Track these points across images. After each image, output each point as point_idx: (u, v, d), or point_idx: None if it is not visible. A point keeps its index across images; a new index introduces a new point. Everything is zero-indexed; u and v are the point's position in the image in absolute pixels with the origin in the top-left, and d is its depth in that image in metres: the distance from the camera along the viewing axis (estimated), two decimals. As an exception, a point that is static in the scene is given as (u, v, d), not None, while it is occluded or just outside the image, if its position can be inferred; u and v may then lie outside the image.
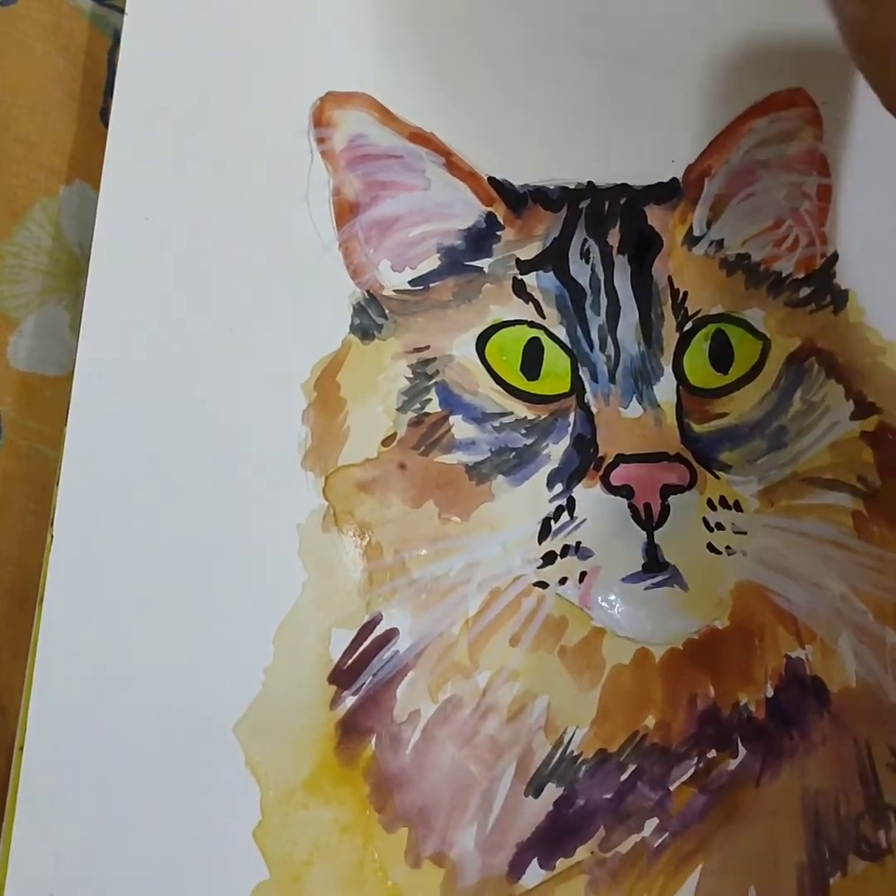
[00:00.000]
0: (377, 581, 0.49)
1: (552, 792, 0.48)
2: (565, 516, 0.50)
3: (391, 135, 0.54)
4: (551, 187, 0.54)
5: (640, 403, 0.51)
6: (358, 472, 0.50)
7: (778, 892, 0.48)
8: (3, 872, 0.46)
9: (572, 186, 0.55)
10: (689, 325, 0.53)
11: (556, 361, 0.52)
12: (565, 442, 0.51)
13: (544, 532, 0.50)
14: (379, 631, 0.49)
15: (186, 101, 0.55)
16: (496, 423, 0.51)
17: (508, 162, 0.55)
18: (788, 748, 0.49)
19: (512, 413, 0.51)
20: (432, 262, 0.53)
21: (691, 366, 0.53)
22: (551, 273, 0.53)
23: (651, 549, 0.50)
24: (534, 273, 0.53)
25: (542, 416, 0.51)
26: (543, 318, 0.52)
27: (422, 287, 0.53)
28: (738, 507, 0.51)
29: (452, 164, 0.54)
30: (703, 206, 0.55)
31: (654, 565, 0.50)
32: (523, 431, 0.51)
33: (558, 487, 0.51)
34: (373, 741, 0.48)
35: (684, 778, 0.49)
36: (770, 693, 0.50)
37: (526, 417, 0.51)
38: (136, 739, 0.47)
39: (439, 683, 0.49)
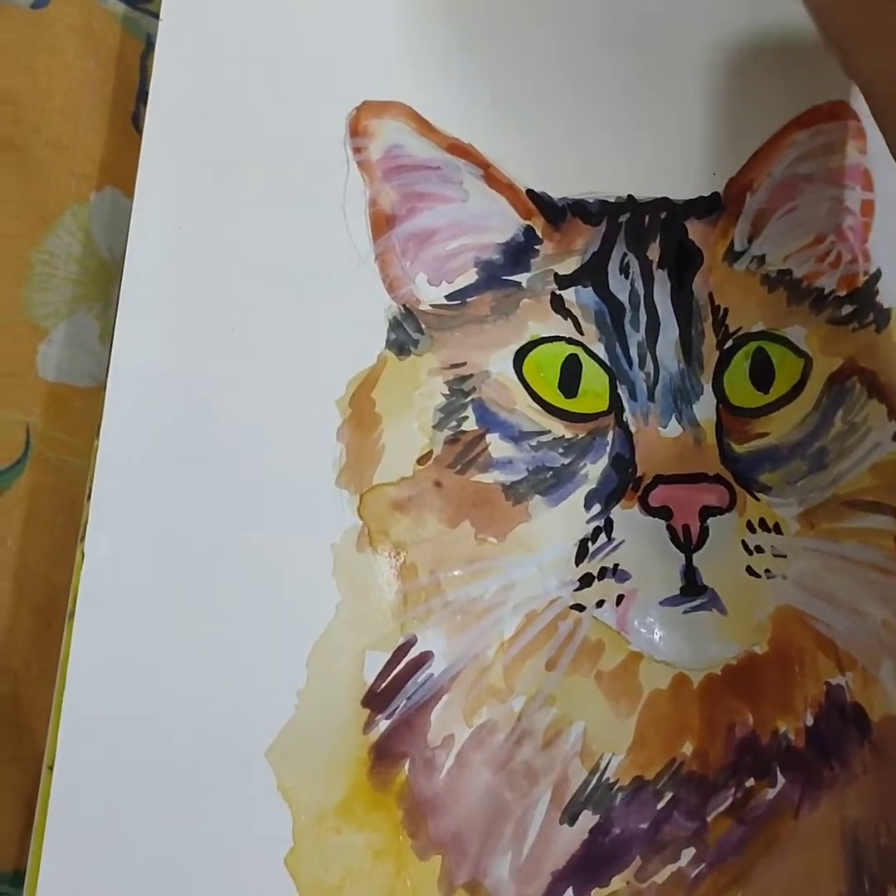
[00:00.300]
0: (412, 602, 0.49)
1: (588, 820, 0.47)
2: (603, 538, 0.49)
3: (429, 145, 0.53)
4: (591, 201, 0.54)
5: (679, 422, 0.50)
6: (393, 491, 0.49)
7: (817, 924, 0.47)
8: (31, 893, 0.45)
9: (612, 200, 0.54)
10: (729, 343, 0.52)
11: (594, 379, 0.51)
12: (603, 461, 0.50)
13: (581, 554, 0.49)
14: (413, 653, 0.48)
15: (221, 109, 0.54)
16: (533, 442, 0.50)
17: (547, 174, 0.54)
18: (828, 778, 0.49)
19: (549, 432, 0.50)
20: (469, 276, 0.53)
21: (731, 384, 0.52)
22: (590, 288, 0.52)
23: (689, 572, 0.49)
24: (572, 288, 0.53)
25: (580, 435, 0.50)
26: (582, 334, 0.51)
27: (459, 302, 0.52)
28: (778, 529, 0.50)
29: (491, 176, 0.53)
30: (744, 221, 0.54)
31: (693, 588, 0.49)
32: (561, 451, 0.50)
33: (596, 508, 0.50)
34: (406, 766, 0.47)
35: (722, 808, 0.48)
36: (810, 721, 0.49)
37: (563, 436, 0.50)
38: (167, 762, 0.47)
39: (474, 707, 0.48)
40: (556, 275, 0.53)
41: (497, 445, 0.50)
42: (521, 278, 0.53)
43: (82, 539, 0.48)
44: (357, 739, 0.47)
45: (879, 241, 0.56)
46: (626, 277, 0.53)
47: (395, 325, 0.52)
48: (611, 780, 0.48)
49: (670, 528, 0.49)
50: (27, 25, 0.56)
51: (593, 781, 0.48)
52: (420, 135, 0.54)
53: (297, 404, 0.51)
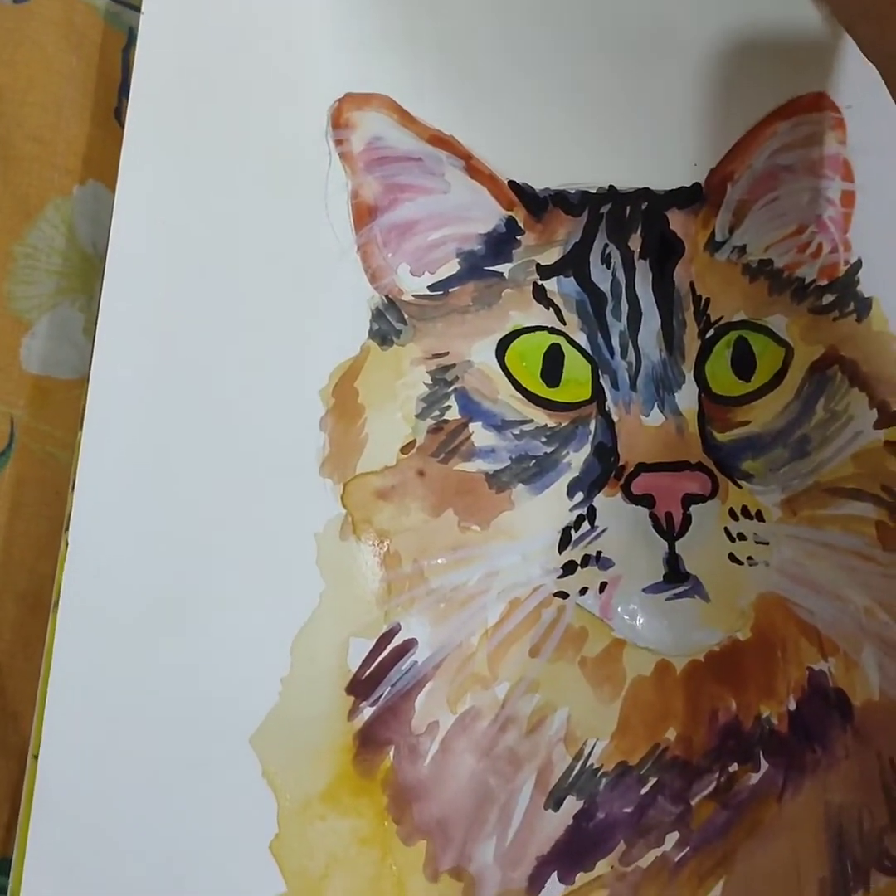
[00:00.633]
0: (395, 590, 0.49)
1: (572, 805, 0.48)
2: (586, 526, 0.50)
3: (410, 137, 0.54)
4: (572, 191, 0.54)
5: (661, 411, 0.51)
6: (376, 480, 0.50)
7: (800, 907, 0.47)
8: (17, 881, 0.45)
9: (593, 191, 0.54)
10: (711, 332, 0.52)
11: (576, 368, 0.51)
12: (586, 450, 0.50)
13: (564, 541, 0.49)
14: (397, 641, 0.48)
15: (203, 102, 0.54)
16: (516, 431, 0.50)
17: (529, 165, 0.54)
18: (811, 762, 0.49)
19: (532, 420, 0.51)
20: (452, 267, 0.53)
21: (713, 373, 0.52)
22: (572, 278, 0.53)
23: (672, 559, 0.49)
24: (554, 278, 0.53)
25: (563, 424, 0.51)
26: (564, 324, 0.52)
27: (441, 292, 0.52)
28: (760, 516, 0.50)
29: (472, 168, 0.53)
30: (725, 211, 0.55)
31: (676, 576, 0.49)
32: (543, 439, 0.50)
33: (579, 496, 0.50)
34: (391, 752, 0.47)
35: (706, 792, 0.48)
36: (792, 706, 0.49)
37: (546, 425, 0.51)
38: (152, 749, 0.47)
39: (458, 694, 0.48)
40: (538, 265, 0.53)
41: (480, 434, 0.50)
42: (503, 269, 0.53)
43: (67, 530, 0.48)
44: (341, 726, 0.48)
45: (860, 231, 0.56)
46: (608, 267, 0.53)
47: (377, 315, 0.52)
48: (595, 766, 0.48)
49: (653, 516, 0.49)
50: (8, 20, 0.56)
51: (577, 767, 0.48)
52: (402, 126, 0.54)
53: (281, 394, 0.51)
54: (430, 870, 0.46)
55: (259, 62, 0.55)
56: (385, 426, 0.50)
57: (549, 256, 0.53)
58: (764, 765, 0.49)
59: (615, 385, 0.51)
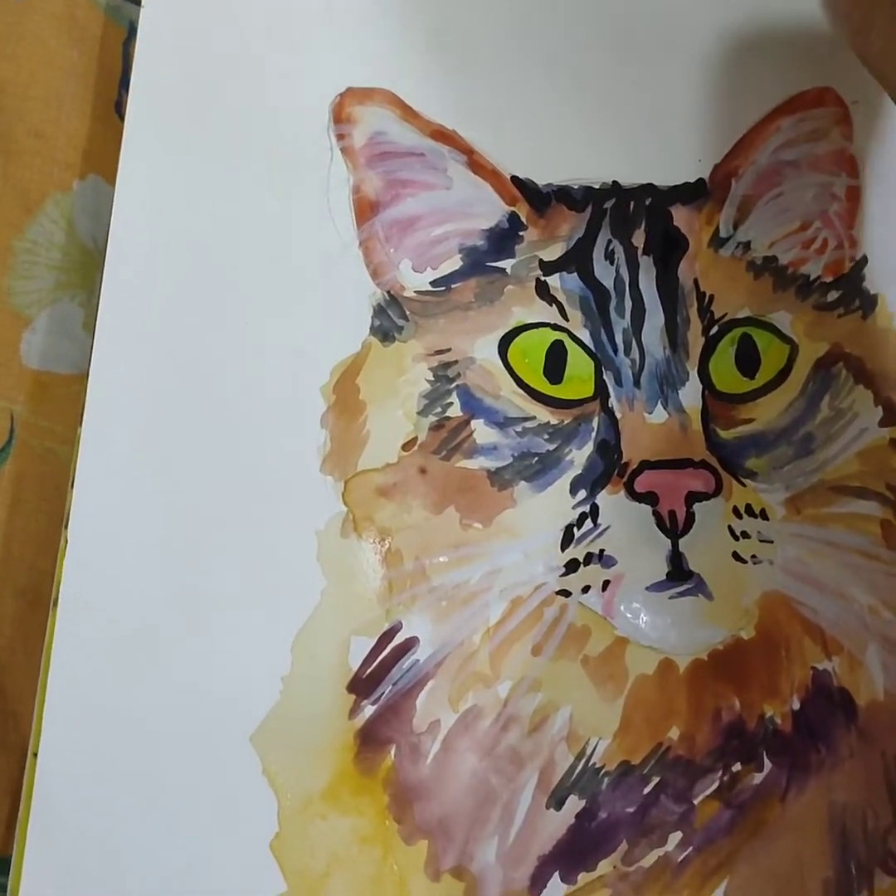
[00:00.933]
0: (397, 588, 0.49)
1: (575, 804, 0.47)
2: (589, 523, 0.49)
3: (412, 132, 0.53)
4: (575, 187, 0.54)
5: (665, 408, 0.50)
6: (378, 477, 0.49)
7: (804, 908, 0.47)
8: (16, 880, 0.45)
9: (597, 186, 0.54)
10: (715, 329, 0.52)
11: (579, 365, 0.51)
12: (589, 447, 0.50)
13: (567, 539, 0.49)
14: (399, 639, 0.48)
15: (204, 96, 0.54)
16: (519, 428, 0.50)
17: (532, 161, 0.54)
18: (815, 762, 0.49)
19: (535, 418, 0.50)
20: (454, 263, 0.52)
21: (717, 370, 0.52)
22: (575, 274, 0.52)
23: (675, 558, 0.49)
24: (557, 274, 0.52)
25: (566, 421, 0.50)
26: (567, 320, 0.51)
27: (443, 288, 0.52)
28: (764, 515, 0.50)
29: (475, 163, 0.53)
30: (729, 207, 0.54)
31: (679, 574, 0.49)
32: (546, 436, 0.50)
33: (581, 494, 0.50)
34: (392, 751, 0.47)
35: (709, 791, 0.48)
36: (796, 705, 0.49)
37: (549, 422, 0.50)
38: (152, 747, 0.47)
39: (460, 693, 0.48)
40: (540, 261, 0.53)
41: (482, 431, 0.50)
42: (506, 264, 0.53)
43: (66, 526, 0.48)
44: (342, 725, 0.47)
45: (865, 228, 0.55)
46: (612, 263, 0.53)
47: (379, 311, 0.52)
48: (597, 765, 0.48)
49: (656, 514, 0.49)
50: (9, 13, 0.56)
51: (580, 766, 0.48)
52: (404, 121, 0.54)
53: (282, 390, 0.51)
54: (432, 869, 0.46)
55: (260, 56, 0.54)
56: (386, 423, 0.50)
57: (552, 252, 0.53)
58: (767, 764, 0.48)
59: (618, 382, 0.51)
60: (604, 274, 0.52)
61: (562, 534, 0.50)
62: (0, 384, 0.53)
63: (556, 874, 0.47)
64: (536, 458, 0.50)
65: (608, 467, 0.50)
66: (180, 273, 0.52)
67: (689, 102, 0.56)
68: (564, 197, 0.54)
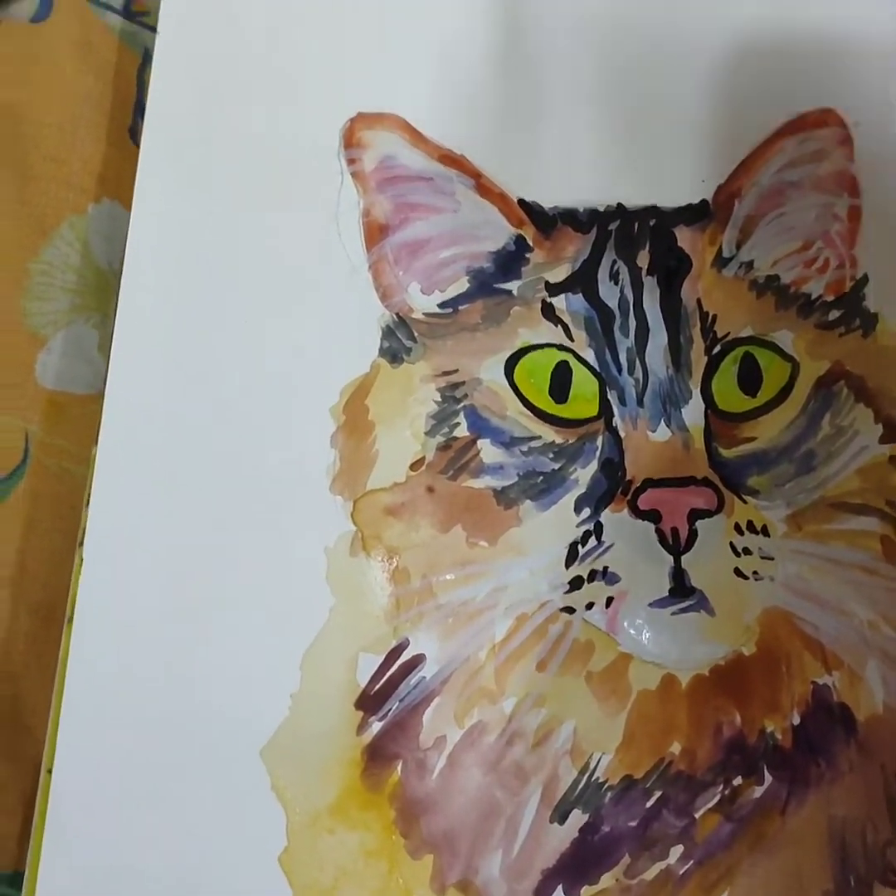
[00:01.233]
0: (404, 606, 0.49)
1: (578, 818, 0.48)
2: (593, 541, 0.50)
3: (421, 156, 0.54)
4: (581, 209, 0.54)
5: (668, 427, 0.51)
6: (386, 497, 0.50)
7: (804, 921, 0.48)
8: (31, 893, 0.46)
9: (602, 208, 0.55)
10: (717, 348, 0.53)
11: (584, 385, 0.52)
12: (593, 466, 0.51)
13: (571, 557, 0.50)
14: (406, 656, 0.49)
15: (217, 121, 0.55)
16: (524, 448, 0.51)
17: (538, 184, 0.55)
18: (815, 776, 0.49)
19: (540, 437, 0.51)
20: (461, 285, 0.53)
21: (720, 389, 0.52)
22: (580, 295, 0.53)
23: (678, 574, 0.49)
24: (563, 295, 0.53)
25: (570, 441, 0.51)
26: (572, 340, 0.52)
27: (451, 310, 0.53)
28: (765, 531, 0.51)
29: (482, 187, 0.54)
30: (732, 228, 0.55)
31: (681, 590, 0.49)
32: (551, 456, 0.51)
33: (586, 512, 0.50)
34: (399, 767, 0.48)
35: (710, 805, 0.48)
36: (796, 720, 0.50)
37: (554, 441, 0.51)
38: (163, 763, 0.48)
39: (465, 709, 0.49)
40: (546, 282, 0.53)
41: (488, 451, 0.51)
42: (512, 286, 0.53)
43: (81, 544, 0.49)
44: (350, 741, 0.48)
45: (866, 247, 0.56)
46: (616, 284, 0.53)
47: (388, 333, 0.52)
48: (600, 780, 0.48)
49: (659, 531, 0.50)
50: (26, 39, 0.57)
51: (583, 780, 0.48)
52: (413, 146, 0.54)
53: (292, 411, 0.52)
54: (437, 883, 0.47)
55: (272, 82, 0.55)
56: (395, 443, 0.51)
57: (558, 274, 0.53)
58: (768, 778, 0.49)
59: (622, 401, 0.51)
60: (608, 295, 0.53)
61: (566, 551, 0.50)
62: (15, 404, 0.53)
63: (560, 887, 0.48)
64: (542, 477, 0.51)
65: (612, 486, 0.51)
66: (193, 296, 0.53)
67: (693, 124, 0.57)
68: (570, 219, 0.54)
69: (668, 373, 0.52)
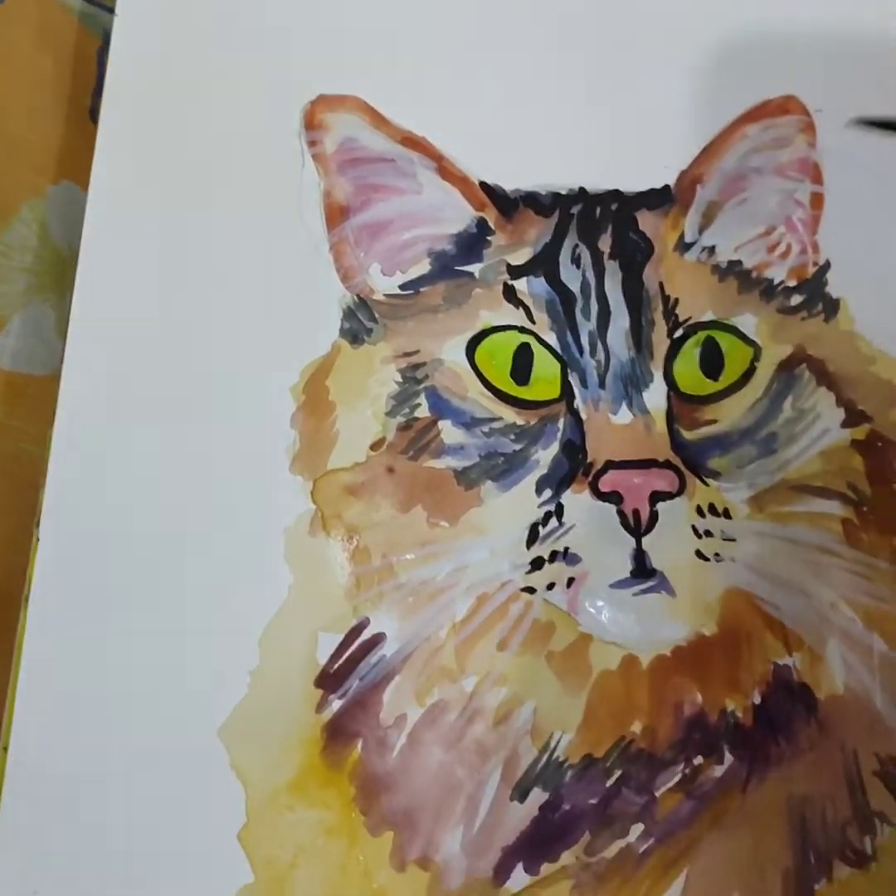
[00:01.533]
0: (364, 585, 0.49)
1: (538, 796, 0.48)
2: (554, 522, 0.50)
3: (383, 138, 0.54)
4: (543, 192, 0.54)
5: (629, 409, 0.51)
6: (346, 477, 0.50)
7: (763, 898, 0.47)
8: (-14, 873, 0.45)
9: (564, 192, 0.55)
10: (679, 332, 0.53)
11: (545, 367, 0.52)
12: (554, 448, 0.51)
13: (532, 537, 0.50)
14: (366, 635, 0.49)
15: (176, 103, 0.55)
16: (485, 429, 0.51)
17: (500, 167, 0.55)
18: (775, 755, 0.49)
19: (501, 418, 0.51)
20: (423, 267, 0.53)
21: (682, 372, 0.52)
22: (542, 278, 0.53)
23: (639, 556, 0.49)
24: (524, 278, 0.53)
25: (532, 422, 0.51)
26: (533, 323, 0.52)
27: (412, 291, 0.53)
28: (727, 513, 0.51)
29: (444, 169, 0.54)
30: (695, 213, 0.55)
31: (642, 571, 0.49)
32: (512, 437, 0.51)
33: (547, 493, 0.50)
34: (359, 745, 0.48)
35: (670, 784, 0.48)
36: (757, 700, 0.50)
37: (515, 423, 0.51)
38: (121, 741, 0.47)
39: (426, 688, 0.48)
40: (508, 265, 0.53)
41: (449, 432, 0.51)
42: (474, 268, 0.53)
43: (37, 524, 0.49)
44: (310, 719, 0.48)
45: (829, 233, 0.56)
46: (578, 268, 0.53)
47: (348, 314, 0.52)
48: (561, 758, 0.48)
49: (620, 513, 0.50)
50: (-16, 21, 0.56)
51: (543, 759, 0.48)
52: (374, 128, 0.54)
53: (252, 391, 0.51)
54: (397, 859, 0.47)
55: (231, 64, 0.55)
56: (355, 423, 0.51)
57: (520, 257, 0.53)
58: (728, 757, 0.49)
59: (584, 383, 0.51)
60: (570, 278, 0.53)
61: (527, 532, 0.50)
62: (-26, 386, 0.53)
63: (520, 864, 0.47)
64: (503, 458, 0.51)
65: (573, 467, 0.51)
66: (151, 276, 0.53)
67: (656, 109, 0.57)
68: (532, 202, 0.54)
69: (629, 355, 0.52)
